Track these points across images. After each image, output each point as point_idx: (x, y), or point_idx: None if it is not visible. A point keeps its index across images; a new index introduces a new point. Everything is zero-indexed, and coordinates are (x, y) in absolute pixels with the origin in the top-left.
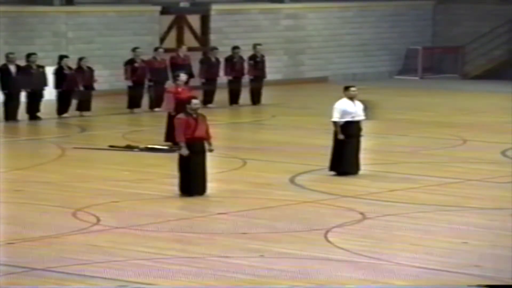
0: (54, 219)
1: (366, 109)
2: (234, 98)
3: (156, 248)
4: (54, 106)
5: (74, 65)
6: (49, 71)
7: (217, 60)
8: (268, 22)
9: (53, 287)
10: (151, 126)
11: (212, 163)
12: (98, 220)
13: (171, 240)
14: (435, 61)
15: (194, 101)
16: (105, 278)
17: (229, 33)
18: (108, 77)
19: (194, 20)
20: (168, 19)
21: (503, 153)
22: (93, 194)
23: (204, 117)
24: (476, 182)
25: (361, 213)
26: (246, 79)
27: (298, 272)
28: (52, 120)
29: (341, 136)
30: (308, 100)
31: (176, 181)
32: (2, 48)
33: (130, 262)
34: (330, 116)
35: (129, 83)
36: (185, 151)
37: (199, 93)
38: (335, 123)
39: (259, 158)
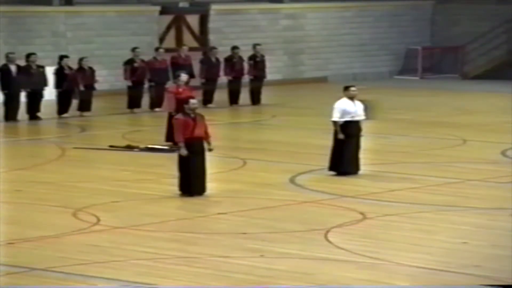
0: (54, 219)
1: (366, 109)
2: (234, 98)
3: (156, 248)
4: (54, 106)
5: (74, 65)
6: (49, 71)
7: (217, 60)
8: (267, 22)
9: (53, 287)
10: (151, 126)
11: (212, 163)
12: (98, 220)
13: (171, 240)
14: (435, 61)
15: (191, 101)
16: (105, 278)
17: (228, 33)
18: (108, 77)
19: (193, 20)
20: (167, 19)
21: (503, 153)
22: (93, 194)
23: (202, 117)
24: (476, 182)
25: (361, 213)
26: (246, 79)
27: (298, 272)
28: (52, 120)
29: (341, 136)
30: (308, 100)
31: (176, 181)
32: (1, 48)
33: (130, 262)
34: (330, 116)
35: (129, 83)
36: (184, 151)
37: (199, 93)
38: (335, 122)
39: (259, 158)
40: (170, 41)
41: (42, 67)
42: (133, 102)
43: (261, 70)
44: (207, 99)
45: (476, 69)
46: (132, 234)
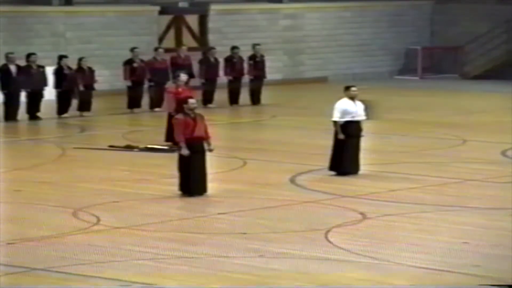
0: (54, 219)
1: (366, 109)
2: (234, 98)
3: (157, 248)
4: (54, 106)
5: (73, 65)
6: (49, 71)
7: (216, 60)
8: (266, 22)
9: (53, 287)
10: (151, 126)
11: (212, 163)
12: (98, 220)
13: (171, 240)
14: (434, 61)
15: (190, 100)
16: (105, 278)
17: (228, 33)
18: (108, 77)
19: (193, 20)
20: (167, 19)
21: (503, 153)
22: (93, 194)
23: (202, 116)
24: (476, 182)
25: (361, 213)
26: (246, 79)
27: (298, 272)
28: (52, 120)
29: (341, 136)
30: (308, 100)
31: (176, 181)
32: (1, 48)
33: (130, 262)
34: (330, 116)
35: (128, 83)
36: (185, 151)
37: (199, 93)
38: (335, 122)
39: (259, 158)
40: (169, 41)
41: (42, 67)
42: (133, 102)
43: (261, 70)
44: (207, 99)
45: (476, 69)
46: (132, 234)
